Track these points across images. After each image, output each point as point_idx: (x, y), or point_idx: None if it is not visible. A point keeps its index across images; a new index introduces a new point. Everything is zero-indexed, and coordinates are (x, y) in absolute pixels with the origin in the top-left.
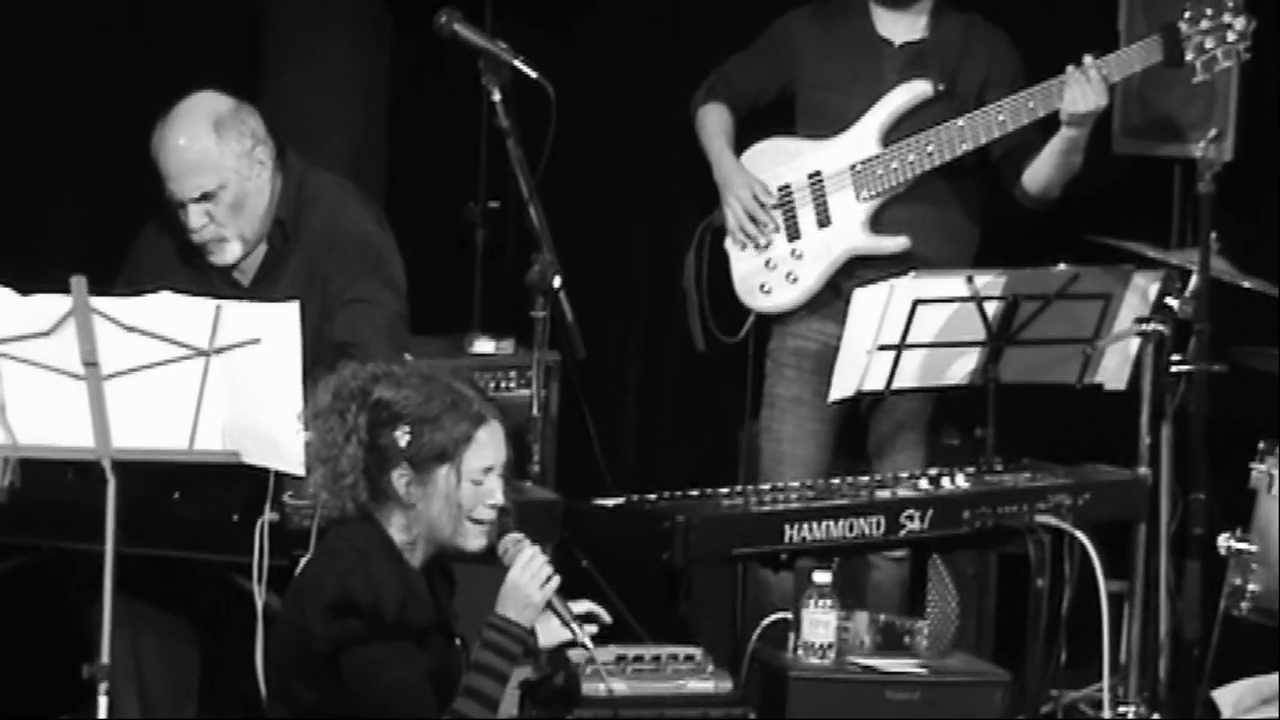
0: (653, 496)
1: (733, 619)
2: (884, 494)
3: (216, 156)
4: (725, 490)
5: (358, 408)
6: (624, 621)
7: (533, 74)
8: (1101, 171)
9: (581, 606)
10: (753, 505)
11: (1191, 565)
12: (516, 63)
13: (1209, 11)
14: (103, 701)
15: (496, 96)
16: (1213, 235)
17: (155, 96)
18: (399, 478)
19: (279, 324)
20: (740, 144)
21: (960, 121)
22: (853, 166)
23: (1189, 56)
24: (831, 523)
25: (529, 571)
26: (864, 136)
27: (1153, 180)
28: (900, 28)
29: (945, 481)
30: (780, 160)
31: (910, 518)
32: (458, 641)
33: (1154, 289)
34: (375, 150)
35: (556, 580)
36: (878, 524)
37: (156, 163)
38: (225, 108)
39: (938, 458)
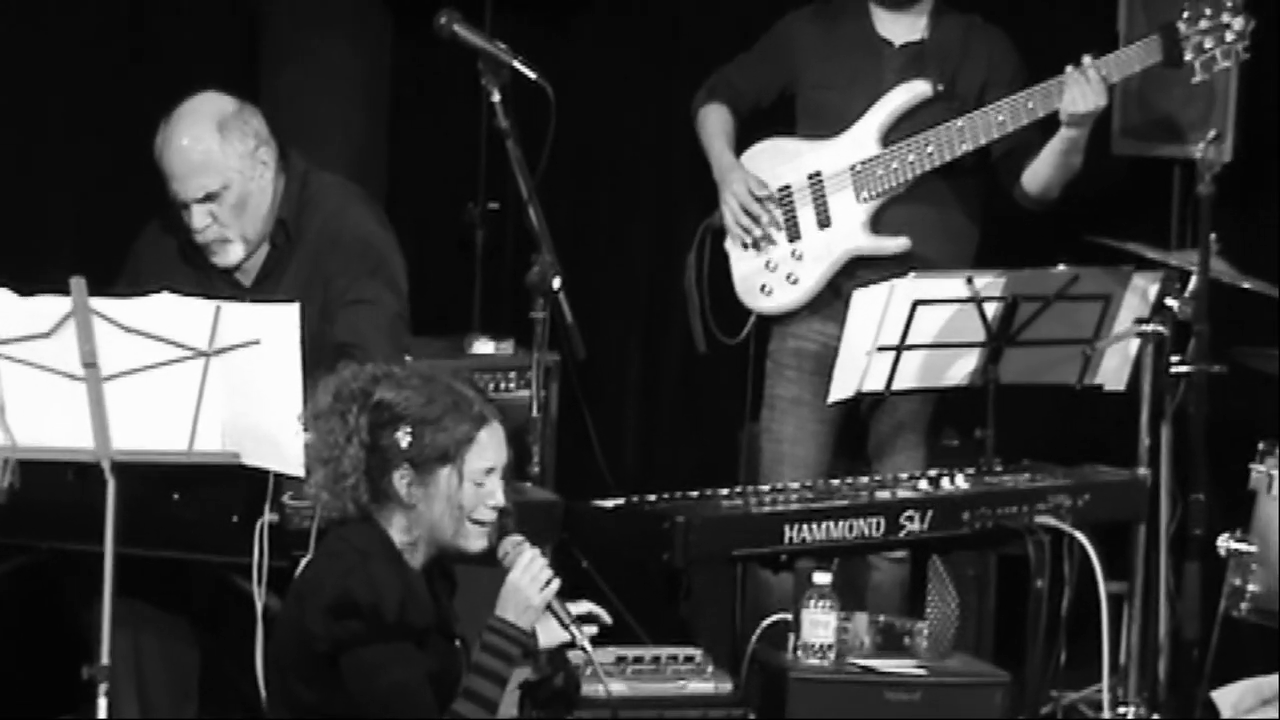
0: (653, 497)
1: (732, 620)
2: (884, 495)
3: (220, 157)
4: (725, 491)
5: (359, 409)
6: (624, 622)
7: (532, 74)
8: (1101, 172)
9: (581, 607)
10: (753, 506)
11: (1191, 566)
12: (516, 63)
13: (1208, 12)
14: (103, 702)
15: (496, 97)
16: (1212, 236)
17: (155, 96)
18: (400, 479)
19: (279, 325)
20: (741, 144)
21: (960, 122)
22: (853, 167)
23: (1188, 57)
24: (831, 524)
25: (529, 574)
26: (864, 137)
27: (1152, 181)
28: (900, 28)
29: (945, 482)
30: (780, 161)
31: (910, 519)
32: (458, 643)
33: (1154, 290)
34: (375, 151)
35: (556, 583)
36: (878, 525)
37: (160, 163)
38: (229, 108)
39: (938, 459)
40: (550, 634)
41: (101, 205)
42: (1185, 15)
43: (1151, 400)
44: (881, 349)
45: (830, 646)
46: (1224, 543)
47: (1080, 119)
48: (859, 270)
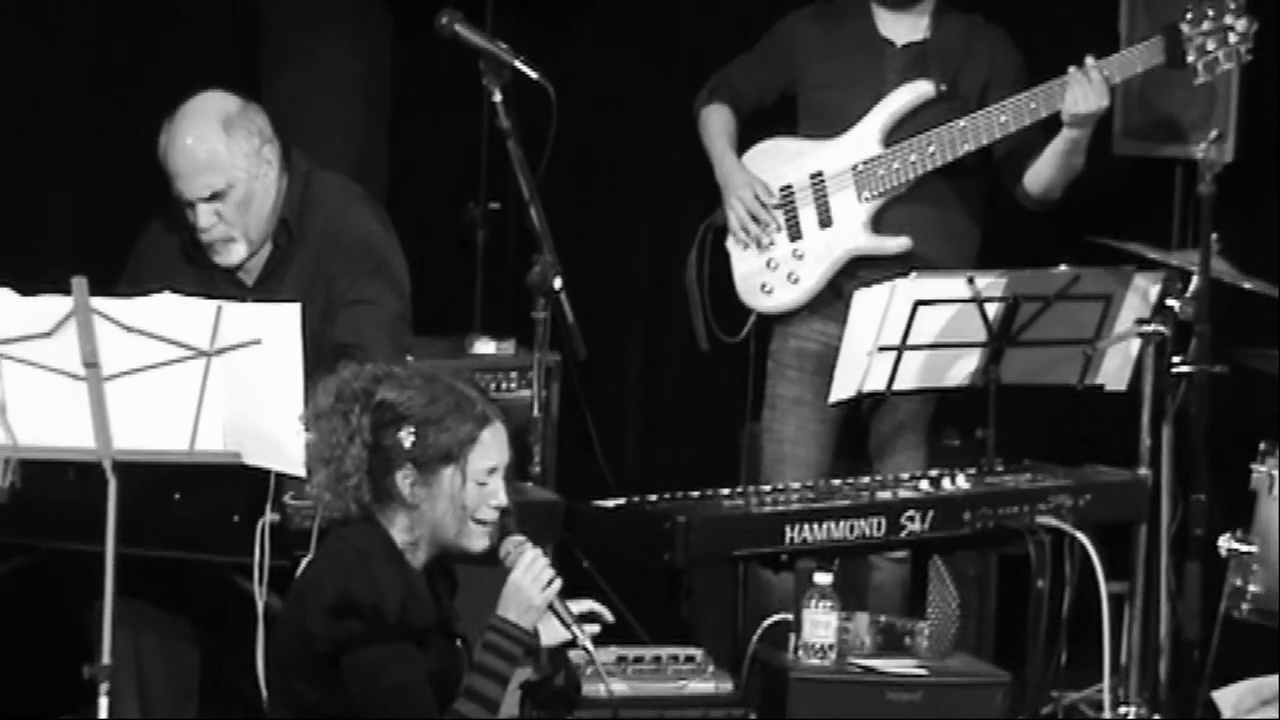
0: (653, 497)
1: (733, 620)
2: (885, 495)
3: (225, 156)
4: (726, 491)
5: (361, 409)
6: (625, 622)
7: (533, 74)
8: (1103, 173)
9: (584, 605)
10: (754, 506)
11: (1192, 566)
12: (517, 63)
13: (1210, 13)
14: (103, 702)
15: (497, 97)
16: (1213, 236)
17: (155, 97)
18: (403, 479)
19: (280, 325)
20: (743, 144)
21: (962, 122)
22: (854, 167)
23: (1190, 58)
24: (832, 524)
25: (531, 574)
26: (865, 137)
27: (1154, 181)
28: (902, 28)
29: (946, 482)
30: (782, 160)
31: (911, 519)
32: (459, 642)
33: (1155, 290)
34: (375, 151)
35: (558, 583)
36: (878, 525)
37: (164, 162)
38: (233, 107)
39: (938, 459)
40: (552, 633)
41: (101, 205)
42: (1188, 16)
43: (1153, 401)
44: (883, 349)
45: (831, 646)
46: (1225, 543)
47: (1082, 119)
48: (860, 270)
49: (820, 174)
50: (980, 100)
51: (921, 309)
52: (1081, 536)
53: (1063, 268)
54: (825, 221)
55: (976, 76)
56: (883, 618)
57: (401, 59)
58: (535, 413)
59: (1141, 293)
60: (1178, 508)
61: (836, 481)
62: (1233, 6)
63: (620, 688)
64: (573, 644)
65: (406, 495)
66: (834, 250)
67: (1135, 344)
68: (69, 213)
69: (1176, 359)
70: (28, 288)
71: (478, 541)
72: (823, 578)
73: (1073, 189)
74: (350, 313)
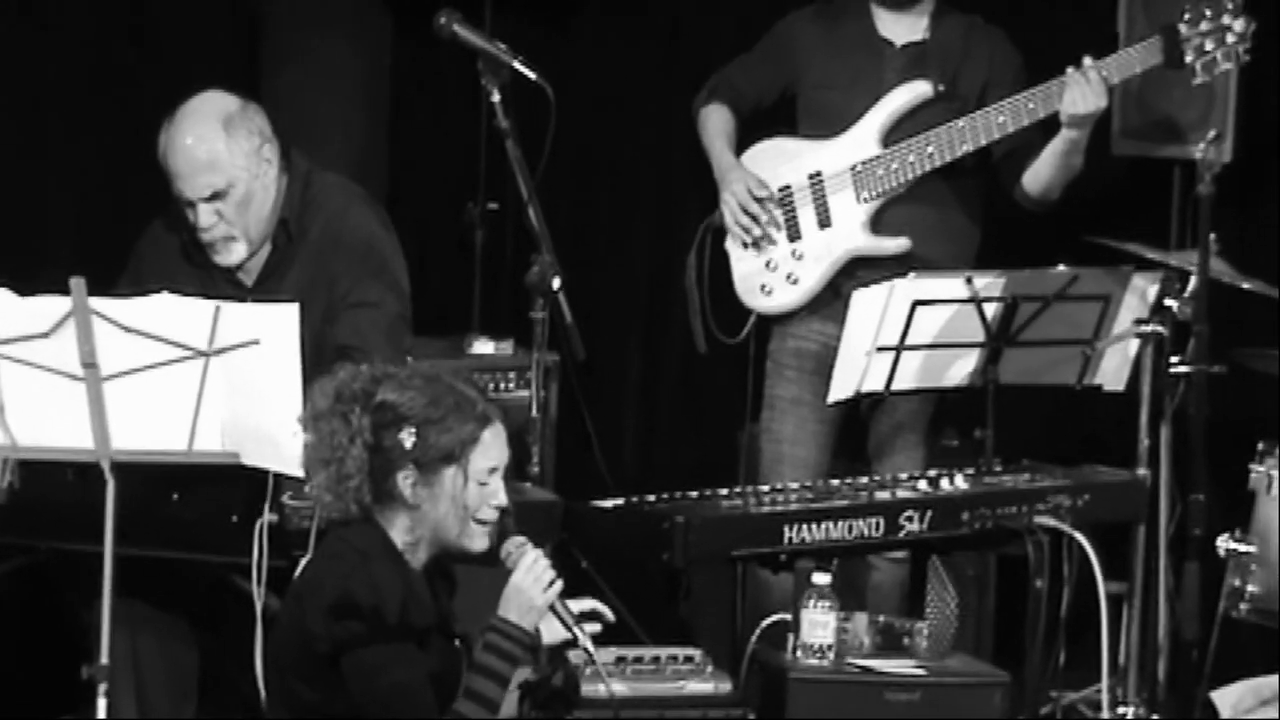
0: (652, 497)
1: (732, 620)
2: (883, 495)
3: (226, 155)
4: (725, 491)
5: (361, 410)
6: (624, 622)
7: (532, 75)
8: (1101, 173)
9: (584, 604)
10: (752, 506)
11: (1190, 566)
12: (516, 63)
13: (1208, 13)
14: (102, 702)
15: (496, 97)
16: (1212, 236)
17: (155, 97)
18: (404, 479)
19: (278, 325)
20: (742, 144)
21: (960, 122)
22: (853, 167)
23: (1189, 59)
24: (831, 524)
25: (532, 575)
26: (864, 137)
27: (1152, 181)
28: (901, 29)
29: (944, 483)
30: (781, 160)
31: (910, 519)
32: (458, 642)
33: (1153, 290)
34: (375, 151)
35: (559, 584)
36: (877, 525)
37: (164, 162)
38: (233, 106)
39: (937, 459)
40: (552, 633)
41: (101, 205)
42: (1186, 17)
43: (1151, 401)
44: (881, 349)
45: (830, 647)
46: (1223, 543)
47: (1081, 120)
48: (859, 270)
49: (819, 174)
50: (979, 100)
51: (920, 309)
52: (1080, 537)
53: (1061, 268)
54: (824, 222)
55: (976, 77)
56: (881, 618)
57: (401, 59)
58: (534, 413)
59: (1140, 293)
60: (1176, 508)
61: (835, 482)
62: (1230, 7)
63: (619, 688)
64: (572, 644)
65: (408, 496)
66: (833, 251)
67: (1134, 344)
68: (69, 213)
69: (1175, 359)
70: (27, 288)
71: (478, 541)
72: (821, 578)
73: (1071, 189)
74: (352, 315)
